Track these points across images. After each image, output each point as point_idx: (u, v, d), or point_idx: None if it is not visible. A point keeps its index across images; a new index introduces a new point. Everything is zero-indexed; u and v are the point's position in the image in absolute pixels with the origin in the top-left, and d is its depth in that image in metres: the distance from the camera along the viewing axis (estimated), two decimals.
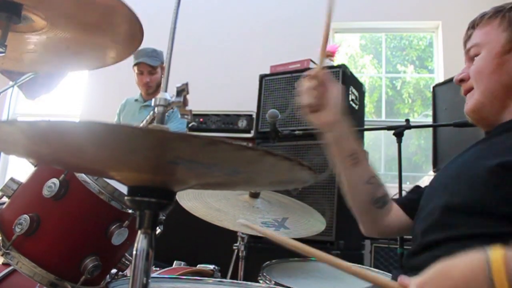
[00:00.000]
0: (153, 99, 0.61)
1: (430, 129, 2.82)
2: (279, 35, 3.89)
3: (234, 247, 1.46)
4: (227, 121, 3.05)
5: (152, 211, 0.55)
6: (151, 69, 2.57)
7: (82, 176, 0.96)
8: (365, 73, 4.21)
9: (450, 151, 2.40)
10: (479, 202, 0.82)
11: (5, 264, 1.21)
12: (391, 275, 1.11)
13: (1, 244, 0.94)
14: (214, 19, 4.07)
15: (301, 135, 1.94)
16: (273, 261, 1.37)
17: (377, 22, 3.95)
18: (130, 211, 0.99)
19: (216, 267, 1.44)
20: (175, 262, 1.52)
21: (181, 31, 0.85)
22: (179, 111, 0.62)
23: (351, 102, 2.68)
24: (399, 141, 1.79)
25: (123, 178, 0.56)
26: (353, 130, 1.08)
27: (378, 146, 3.91)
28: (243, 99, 3.14)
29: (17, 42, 1.02)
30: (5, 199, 1.01)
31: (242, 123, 2.99)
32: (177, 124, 2.41)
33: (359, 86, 2.85)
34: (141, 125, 2.18)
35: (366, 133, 3.15)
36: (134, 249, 0.55)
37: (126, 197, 0.56)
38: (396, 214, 1.12)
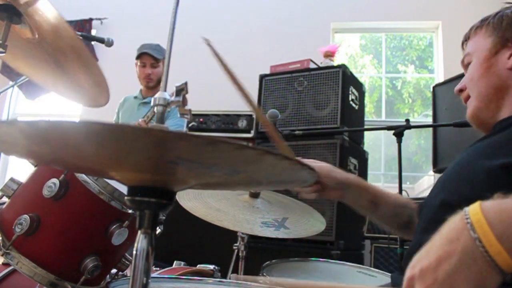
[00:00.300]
0: (152, 98, 0.61)
1: (430, 129, 2.83)
2: (279, 35, 3.89)
3: (234, 247, 1.45)
4: (227, 121, 3.05)
5: (152, 211, 0.55)
6: (154, 62, 2.58)
7: (82, 176, 0.96)
8: (365, 73, 4.21)
9: (450, 151, 2.40)
10: (477, 201, 0.82)
11: (5, 264, 1.21)
12: (390, 275, 1.12)
13: (1, 244, 0.94)
14: (214, 19, 4.07)
15: (301, 135, 1.94)
16: (273, 261, 1.37)
17: (377, 22, 3.95)
18: (130, 211, 0.99)
19: (216, 267, 1.44)
20: (175, 262, 1.52)
21: (181, 31, 0.85)
22: (178, 110, 0.62)
23: (351, 102, 2.68)
24: (399, 141, 1.79)
25: (123, 178, 0.56)
26: (361, 181, 1.19)
27: (378, 146, 3.91)
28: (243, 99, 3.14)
29: (18, 42, 1.02)
30: (5, 199, 1.01)
31: (242, 123, 2.99)
32: (176, 121, 2.42)
33: (359, 86, 2.85)
34: (141, 120, 2.19)
35: (366, 133, 3.15)
36: (134, 249, 0.55)
37: (126, 197, 0.56)
38: None
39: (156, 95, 0.61)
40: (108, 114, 2.85)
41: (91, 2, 4.41)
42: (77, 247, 0.96)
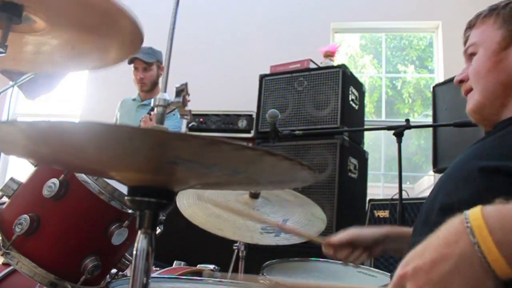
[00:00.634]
0: (152, 99, 0.61)
1: (430, 129, 2.82)
2: (279, 35, 3.89)
3: (234, 247, 1.46)
4: (227, 121, 3.05)
5: (152, 211, 0.55)
6: (146, 66, 2.61)
7: (82, 176, 0.96)
8: (365, 73, 4.21)
9: (450, 151, 2.40)
10: (474, 201, 0.82)
11: (5, 264, 1.21)
12: (390, 275, 1.12)
13: (1, 244, 0.94)
14: (214, 19, 4.07)
15: (301, 135, 1.94)
16: (273, 261, 1.37)
17: (377, 22, 3.95)
18: (130, 211, 0.99)
19: (216, 267, 1.44)
20: (175, 262, 1.52)
21: (181, 31, 0.85)
22: (178, 111, 0.62)
23: (351, 102, 2.68)
24: (399, 141, 1.79)
25: (123, 178, 0.56)
26: (395, 229, 1.17)
27: (378, 146, 3.91)
28: (243, 99, 3.14)
29: (18, 42, 1.02)
30: (5, 199, 1.02)
31: (242, 123, 2.99)
32: (174, 122, 2.42)
33: (359, 86, 2.85)
34: (147, 115, 2.20)
35: (366, 133, 3.15)
36: (134, 249, 0.55)
37: (126, 197, 0.56)
38: None
39: (156, 96, 0.61)
40: (108, 114, 2.85)
41: None
42: (77, 247, 0.96)
